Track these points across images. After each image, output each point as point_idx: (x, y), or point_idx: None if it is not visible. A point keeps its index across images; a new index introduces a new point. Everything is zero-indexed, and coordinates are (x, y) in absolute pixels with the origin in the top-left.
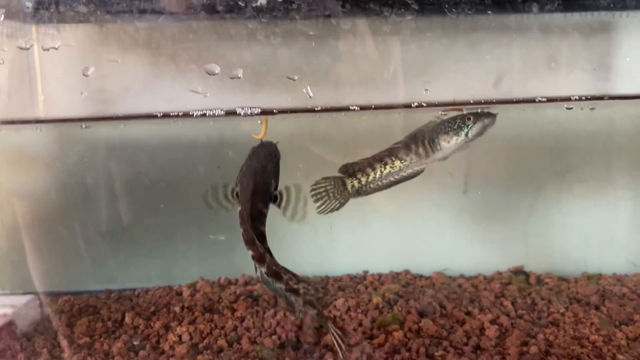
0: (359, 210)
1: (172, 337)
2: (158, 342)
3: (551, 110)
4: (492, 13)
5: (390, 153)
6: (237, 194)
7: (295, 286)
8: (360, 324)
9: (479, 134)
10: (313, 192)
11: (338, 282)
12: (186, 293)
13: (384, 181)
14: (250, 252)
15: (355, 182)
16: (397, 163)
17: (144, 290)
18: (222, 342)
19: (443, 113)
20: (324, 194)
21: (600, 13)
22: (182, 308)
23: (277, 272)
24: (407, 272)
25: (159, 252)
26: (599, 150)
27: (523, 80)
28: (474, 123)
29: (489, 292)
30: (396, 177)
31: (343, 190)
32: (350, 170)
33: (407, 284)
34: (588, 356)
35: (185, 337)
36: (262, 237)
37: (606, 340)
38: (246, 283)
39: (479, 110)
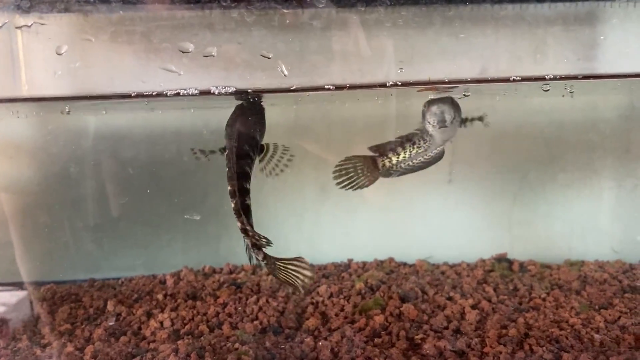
0: (344, 200)
1: (153, 323)
2: (140, 328)
3: (537, 99)
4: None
5: (420, 133)
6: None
7: (246, 227)
8: (342, 309)
9: (440, 120)
10: (341, 168)
11: (322, 270)
12: (170, 281)
13: (414, 161)
14: (229, 187)
15: (387, 161)
16: (422, 143)
17: (128, 279)
18: (203, 327)
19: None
20: (351, 170)
21: (585, 3)
22: (165, 295)
23: (240, 210)
24: (391, 260)
25: (143, 242)
26: (583, 140)
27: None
28: (428, 109)
29: (471, 279)
30: (425, 157)
31: (373, 169)
32: (381, 150)
33: (391, 271)
34: (566, 338)
35: (167, 323)
36: (245, 176)
37: (585, 323)
38: (230, 271)
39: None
